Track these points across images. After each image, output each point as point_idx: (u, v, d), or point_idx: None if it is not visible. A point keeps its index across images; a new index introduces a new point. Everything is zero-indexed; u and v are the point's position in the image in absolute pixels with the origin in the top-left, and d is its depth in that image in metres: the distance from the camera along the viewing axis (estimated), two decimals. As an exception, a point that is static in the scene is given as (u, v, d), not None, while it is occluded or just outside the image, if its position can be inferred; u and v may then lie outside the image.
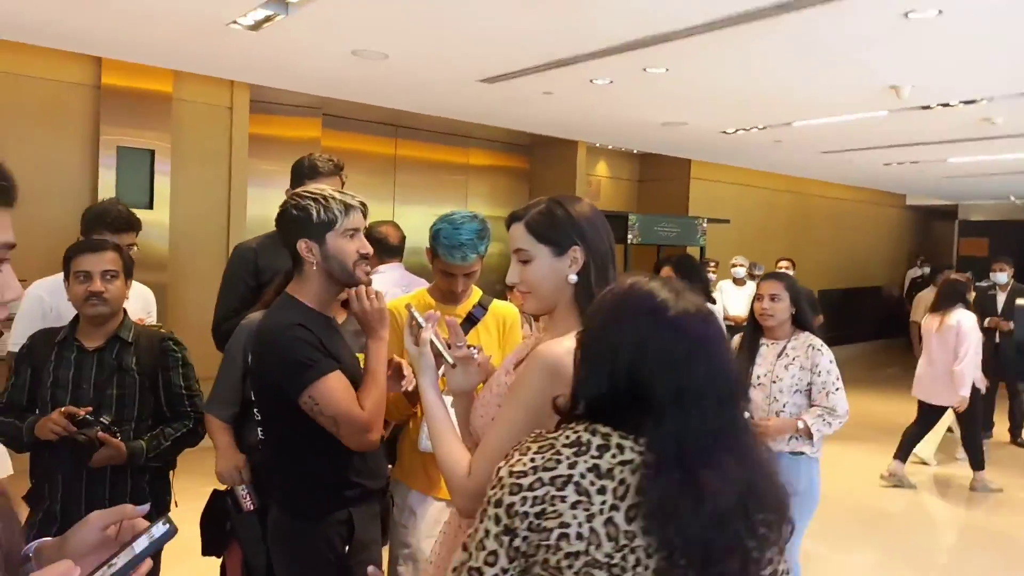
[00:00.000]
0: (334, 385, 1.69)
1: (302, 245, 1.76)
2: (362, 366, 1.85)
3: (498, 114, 6.23)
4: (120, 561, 0.86)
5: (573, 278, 1.42)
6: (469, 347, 1.53)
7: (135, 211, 2.90)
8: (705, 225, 8.09)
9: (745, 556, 0.99)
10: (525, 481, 1.02)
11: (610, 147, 8.44)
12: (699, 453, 0.99)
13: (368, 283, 1.85)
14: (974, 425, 5.42)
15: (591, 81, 4.86)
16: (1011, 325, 6.49)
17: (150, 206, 5.22)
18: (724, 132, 6.61)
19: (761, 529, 1.00)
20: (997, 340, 6.53)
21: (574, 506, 0.99)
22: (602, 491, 1.00)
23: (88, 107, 5.12)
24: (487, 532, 1.03)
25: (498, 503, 1.03)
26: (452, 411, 1.50)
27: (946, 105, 5.32)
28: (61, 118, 5.04)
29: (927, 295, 7.29)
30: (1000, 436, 6.67)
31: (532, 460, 1.04)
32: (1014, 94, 4.94)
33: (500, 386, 1.48)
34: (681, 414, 1.00)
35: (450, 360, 1.49)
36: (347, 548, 1.80)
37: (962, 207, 13.60)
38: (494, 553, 1.02)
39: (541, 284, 1.43)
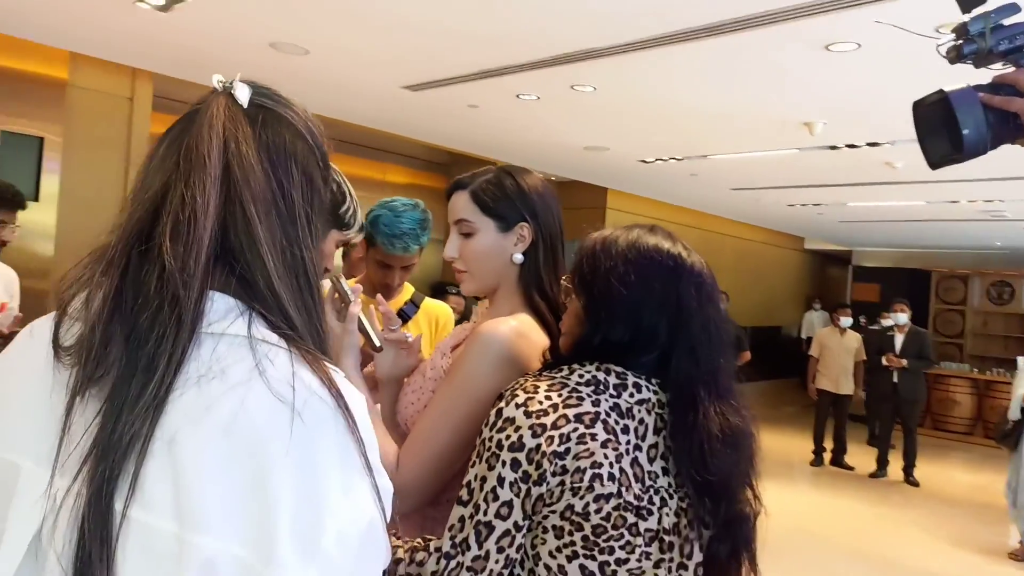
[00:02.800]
0: None
1: None
2: None
3: (421, 127, 6.10)
4: None
5: (519, 257, 1.29)
6: (402, 331, 1.36)
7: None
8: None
9: (754, 492, 1.02)
10: (547, 420, 0.94)
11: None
12: (711, 393, 0.99)
13: None
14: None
15: (517, 96, 4.81)
16: (904, 363, 6.78)
17: (35, 198, 4.79)
18: (643, 161, 6.70)
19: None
20: (895, 379, 6.82)
21: (604, 444, 0.94)
22: (625, 430, 0.97)
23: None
24: (501, 480, 0.93)
25: (515, 446, 0.94)
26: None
27: (852, 146, 5.56)
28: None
29: (824, 333, 7.73)
30: (895, 475, 6.92)
31: (548, 398, 0.97)
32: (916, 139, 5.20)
33: (435, 370, 1.32)
34: (693, 357, 1.00)
35: (376, 342, 1.32)
36: None
37: (856, 253, 14.38)
38: (508, 504, 0.93)
39: (482, 261, 1.29)
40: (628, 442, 0.96)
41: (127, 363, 0.61)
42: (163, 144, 0.72)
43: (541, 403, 0.96)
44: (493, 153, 7.26)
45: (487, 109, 5.22)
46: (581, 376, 1.00)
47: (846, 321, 7.39)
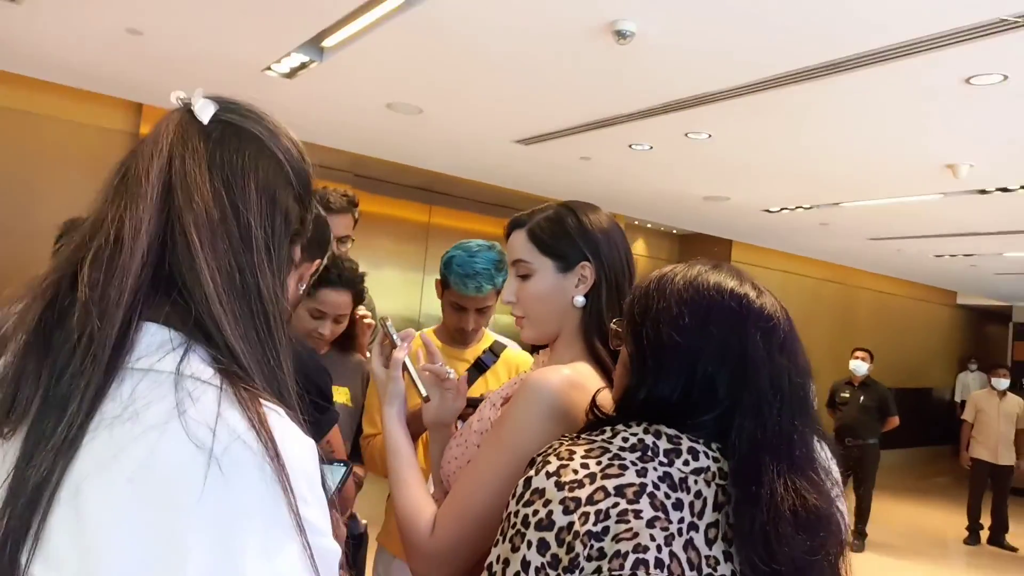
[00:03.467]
0: None
1: None
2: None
3: (534, 180, 6.13)
4: None
5: (580, 300, 1.17)
6: (444, 368, 1.28)
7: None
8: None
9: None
10: (583, 493, 0.79)
11: (649, 224, 8.27)
12: (782, 462, 0.82)
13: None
14: None
15: (630, 146, 4.72)
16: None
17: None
18: (768, 211, 6.39)
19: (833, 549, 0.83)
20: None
21: (651, 523, 0.78)
22: (678, 505, 0.80)
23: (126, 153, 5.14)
24: (525, 564, 0.79)
25: (543, 524, 0.79)
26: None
27: (1005, 190, 5.05)
28: (100, 164, 5.02)
29: (979, 395, 7.03)
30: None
31: (585, 466, 0.81)
32: (1081, 178, 4.67)
33: (483, 423, 1.21)
34: (758, 418, 0.83)
35: (423, 391, 1.24)
36: None
37: (1017, 309, 13.03)
38: None
39: (540, 305, 1.19)
40: (681, 520, 0.80)
41: (43, 403, 0.56)
42: (114, 168, 0.68)
43: (576, 472, 0.81)
44: (609, 205, 7.14)
45: (600, 160, 5.16)
46: (625, 440, 0.84)
47: (1001, 383, 6.67)
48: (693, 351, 0.86)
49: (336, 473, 0.79)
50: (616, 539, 0.77)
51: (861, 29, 2.82)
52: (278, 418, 0.59)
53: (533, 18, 2.95)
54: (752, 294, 0.91)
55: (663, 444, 0.84)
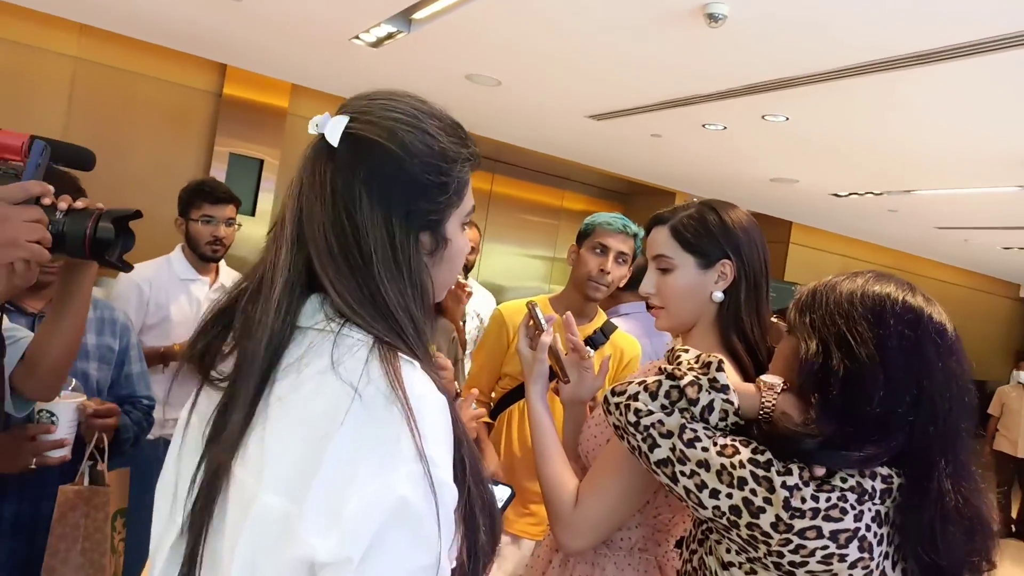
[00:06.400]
0: None
1: None
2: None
3: (602, 155, 6.15)
4: None
5: (719, 296, 1.25)
6: (587, 350, 1.37)
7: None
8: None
9: None
10: (799, 524, 0.86)
11: (709, 203, 8.23)
12: (949, 462, 0.88)
13: None
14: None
15: (703, 126, 4.72)
16: None
17: (252, 213, 5.34)
18: (835, 195, 6.32)
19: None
20: None
21: (853, 566, 0.85)
22: (881, 540, 0.87)
23: (208, 114, 5.32)
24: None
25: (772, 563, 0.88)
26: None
27: (1086, 185, 4.93)
28: (183, 121, 5.24)
29: (1005, 389, 7.04)
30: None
31: (815, 499, 0.87)
32: None
33: None
34: (931, 412, 0.89)
35: (567, 374, 1.34)
36: None
37: (1083, 305, 12.63)
38: None
39: (680, 299, 1.26)
40: (881, 553, 0.86)
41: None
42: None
43: (805, 519, 0.86)
44: (673, 183, 7.16)
45: (670, 138, 5.17)
46: (845, 481, 0.88)
47: None
48: (916, 370, 0.92)
49: (501, 494, 0.91)
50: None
51: (952, 21, 2.79)
52: (412, 370, 0.73)
53: (627, 0, 2.98)
54: (925, 304, 0.99)
55: (879, 485, 0.88)
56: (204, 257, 2.72)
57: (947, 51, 3.06)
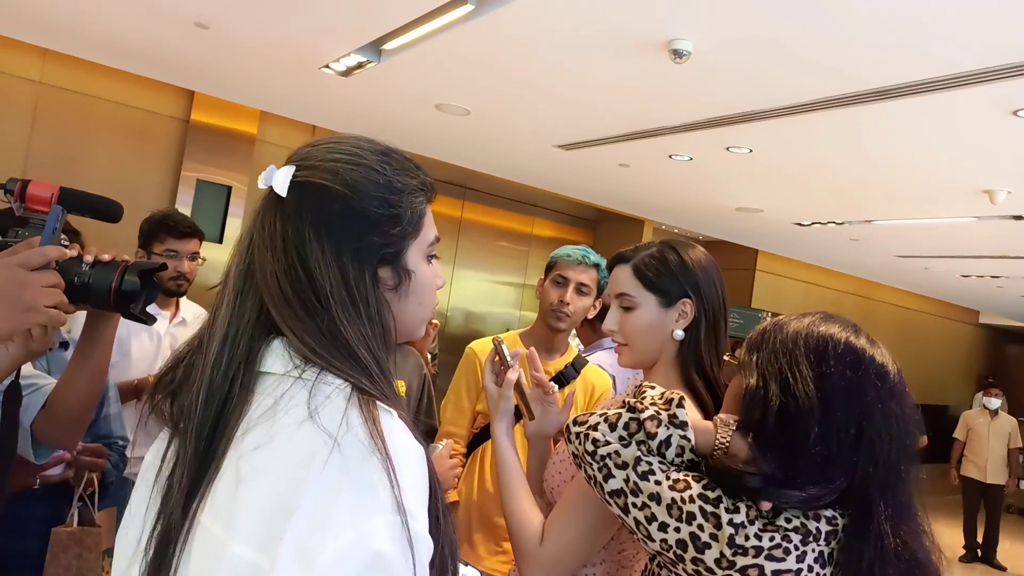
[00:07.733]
0: None
1: None
2: None
3: (571, 183, 6.21)
4: None
5: (679, 334, 1.27)
6: (552, 385, 1.38)
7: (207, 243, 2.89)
8: (768, 319, 7.83)
9: None
10: (742, 560, 0.88)
11: (676, 230, 8.34)
12: (888, 503, 0.89)
13: None
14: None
15: (670, 156, 4.79)
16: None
17: (220, 241, 5.28)
18: (799, 224, 6.44)
19: None
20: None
21: None
22: None
23: (175, 139, 5.27)
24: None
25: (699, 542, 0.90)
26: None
27: (1040, 216, 5.08)
28: (150, 147, 5.18)
29: (971, 414, 7.19)
30: None
31: (758, 538, 0.88)
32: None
33: None
34: (872, 455, 0.90)
35: (534, 412, 1.35)
36: None
37: (1039, 331, 12.98)
38: None
39: (642, 336, 1.28)
40: None
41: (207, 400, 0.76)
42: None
43: (748, 539, 0.88)
44: (641, 211, 7.25)
45: (638, 168, 5.24)
46: (789, 521, 0.89)
47: (992, 402, 6.73)
48: (855, 412, 0.93)
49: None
50: None
51: (910, 60, 2.89)
52: (391, 419, 0.72)
53: (594, 33, 3.03)
54: (868, 346, 0.99)
55: (824, 527, 0.89)
56: (167, 292, 2.63)
57: (906, 87, 3.16)
